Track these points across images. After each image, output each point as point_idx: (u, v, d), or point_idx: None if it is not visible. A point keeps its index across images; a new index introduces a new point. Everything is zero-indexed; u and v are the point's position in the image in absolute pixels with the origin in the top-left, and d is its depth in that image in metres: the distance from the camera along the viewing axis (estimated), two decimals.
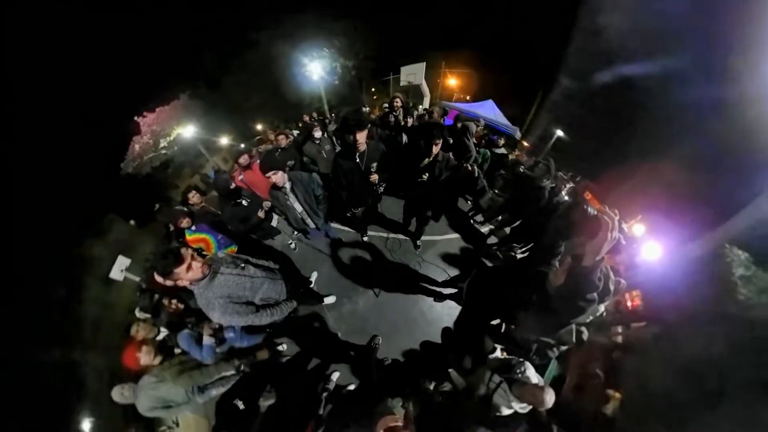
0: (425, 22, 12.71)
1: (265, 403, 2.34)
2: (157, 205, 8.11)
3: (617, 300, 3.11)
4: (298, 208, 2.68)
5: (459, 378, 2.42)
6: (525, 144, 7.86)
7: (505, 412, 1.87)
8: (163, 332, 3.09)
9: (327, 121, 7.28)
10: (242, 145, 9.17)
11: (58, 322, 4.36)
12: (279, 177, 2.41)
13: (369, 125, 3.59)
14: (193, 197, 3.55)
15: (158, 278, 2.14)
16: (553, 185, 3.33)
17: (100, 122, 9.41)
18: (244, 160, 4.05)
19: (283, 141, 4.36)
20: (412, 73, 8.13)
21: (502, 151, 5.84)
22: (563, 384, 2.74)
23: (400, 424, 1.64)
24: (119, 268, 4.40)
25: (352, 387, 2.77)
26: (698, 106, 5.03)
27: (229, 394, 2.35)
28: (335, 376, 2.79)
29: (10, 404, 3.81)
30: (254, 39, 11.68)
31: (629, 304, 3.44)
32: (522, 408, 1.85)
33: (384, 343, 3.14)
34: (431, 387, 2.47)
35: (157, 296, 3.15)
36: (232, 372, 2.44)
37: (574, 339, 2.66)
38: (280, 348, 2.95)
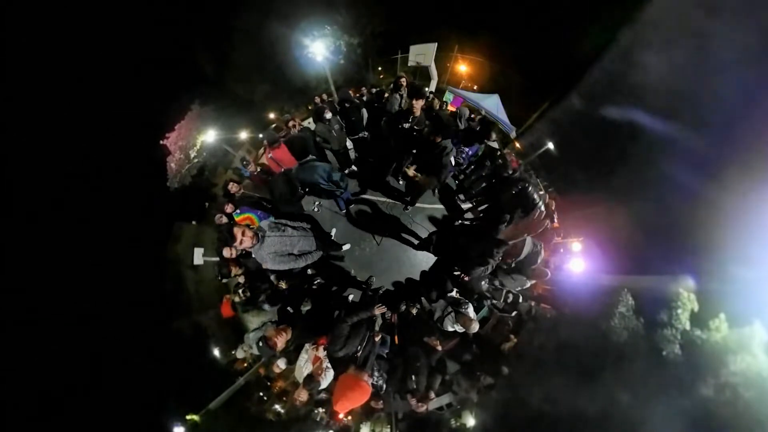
0: None
1: (305, 308, 3.73)
2: (207, 204, 9.96)
3: (536, 283, 4.19)
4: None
5: (426, 303, 3.77)
6: (516, 144, 8.00)
7: (449, 329, 3.07)
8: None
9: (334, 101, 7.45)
10: (260, 135, 9.67)
11: (177, 302, 6.52)
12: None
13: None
14: (233, 187, 4.31)
15: (226, 251, 3.46)
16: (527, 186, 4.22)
17: (140, 158, 10.85)
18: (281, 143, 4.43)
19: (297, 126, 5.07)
20: (422, 54, 7.81)
21: (494, 144, 6.37)
22: (487, 322, 4.16)
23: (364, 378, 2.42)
24: (198, 256, 6.14)
25: (351, 297, 4.26)
26: (675, 181, 5.30)
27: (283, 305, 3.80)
28: (351, 296, 4.23)
29: (166, 352, 6.09)
30: (245, 28, 11.13)
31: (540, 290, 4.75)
32: (459, 329, 3.02)
33: (381, 276, 4.51)
34: (407, 307, 3.81)
35: (227, 268, 4.61)
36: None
37: (502, 299, 3.97)
38: (316, 281, 4.31)
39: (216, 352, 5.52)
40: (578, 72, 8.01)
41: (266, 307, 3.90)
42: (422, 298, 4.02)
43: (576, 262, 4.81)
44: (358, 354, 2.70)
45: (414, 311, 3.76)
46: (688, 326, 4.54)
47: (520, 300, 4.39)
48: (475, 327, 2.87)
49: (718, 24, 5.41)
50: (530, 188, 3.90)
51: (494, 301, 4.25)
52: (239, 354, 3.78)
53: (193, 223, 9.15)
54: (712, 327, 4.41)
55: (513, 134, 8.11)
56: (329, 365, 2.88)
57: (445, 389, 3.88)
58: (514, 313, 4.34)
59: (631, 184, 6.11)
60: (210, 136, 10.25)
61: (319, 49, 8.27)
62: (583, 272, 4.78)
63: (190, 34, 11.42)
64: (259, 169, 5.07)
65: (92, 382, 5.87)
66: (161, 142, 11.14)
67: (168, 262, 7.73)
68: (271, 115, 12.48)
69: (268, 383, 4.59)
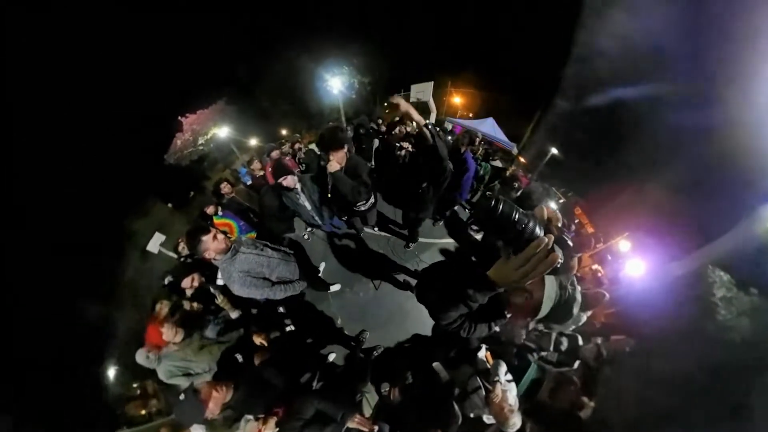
0: (435, 46, 14.28)
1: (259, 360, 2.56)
2: (192, 193, 9.15)
3: (594, 312, 2.92)
4: (308, 205, 2.90)
5: (443, 371, 2.54)
6: (521, 159, 8.26)
7: (472, 414, 2.01)
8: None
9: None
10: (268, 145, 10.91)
11: (101, 281, 4.96)
12: (289, 180, 2.58)
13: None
14: (225, 187, 4.08)
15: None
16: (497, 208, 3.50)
17: (151, 118, 10.92)
18: (275, 154, 4.62)
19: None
20: (421, 91, 8.97)
21: (498, 163, 6.40)
22: (541, 386, 2.78)
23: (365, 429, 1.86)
24: (156, 243, 5.01)
25: (332, 357, 3.12)
26: (686, 130, 5.23)
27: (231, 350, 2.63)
28: (332, 356, 3.07)
29: (50, 345, 4.37)
30: (283, 54, 13.51)
31: (601, 319, 3.32)
32: (488, 419, 1.95)
33: (379, 332, 3.39)
34: (414, 379, 2.60)
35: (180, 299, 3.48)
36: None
37: (551, 346, 2.74)
38: (288, 329, 3.08)
39: (110, 374, 3.85)
40: (557, 73, 8.67)
41: (208, 333, 2.76)
42: (436, 363, 2.76)
43: (633, 264, 3.70)
44: None
45: (422, 384, 2.50)
46: None
47: (580, 342, 2.88)
48: (516, 423, 1.79)
49: None
50: (508, 210, 2.86)
51: (543, 353, 2.81)
52: (138, 358, 2.48)
53: (169, 205, 8.08)
54: None
55: (515, 150, 8.36)
56: None
57: None
58: (576, 364, 2.82)
59: (648, 155, 5.66)
60: (223, 131, 10.58)
61: (336, 84, 10.03)
62: (647, 272, 3.61)
63: (239, 44, 13.20)
64: (261, 174, 4.75)
65: None
66: (179, 118, 11.77)
67: (121, 233, 6.30)
68: (284, 131, 13.65)
69: None
